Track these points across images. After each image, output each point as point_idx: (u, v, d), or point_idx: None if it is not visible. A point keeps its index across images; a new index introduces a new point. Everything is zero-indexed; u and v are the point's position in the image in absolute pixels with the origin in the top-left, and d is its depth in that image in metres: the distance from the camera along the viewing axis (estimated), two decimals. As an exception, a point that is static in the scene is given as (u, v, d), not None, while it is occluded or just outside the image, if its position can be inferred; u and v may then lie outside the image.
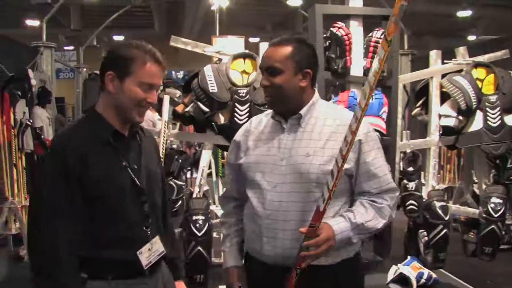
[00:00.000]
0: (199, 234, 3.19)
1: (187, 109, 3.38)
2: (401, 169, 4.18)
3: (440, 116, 3.96)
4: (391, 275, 3.36)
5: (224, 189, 2.28)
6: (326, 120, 1.93)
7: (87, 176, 1.67)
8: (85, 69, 11.50)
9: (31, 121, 6.01)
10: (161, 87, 10.42)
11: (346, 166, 1.81)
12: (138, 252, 1.78)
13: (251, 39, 10.91)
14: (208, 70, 3.32)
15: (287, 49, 1.88)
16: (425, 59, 4.36)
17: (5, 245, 5.46)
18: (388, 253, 3.95)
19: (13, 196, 5.70)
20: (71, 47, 12.85)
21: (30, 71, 6.79)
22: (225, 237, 2.13)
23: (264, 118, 2.06)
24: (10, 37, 7.15)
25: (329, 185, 1.75)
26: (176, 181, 3.71)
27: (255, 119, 2.11)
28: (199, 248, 3.19)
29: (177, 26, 12.20)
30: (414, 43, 9.36)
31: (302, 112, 1.93)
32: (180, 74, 11.75)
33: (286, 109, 1.93)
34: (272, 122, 2.00)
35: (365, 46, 3.79)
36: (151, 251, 1.82)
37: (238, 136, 2.10)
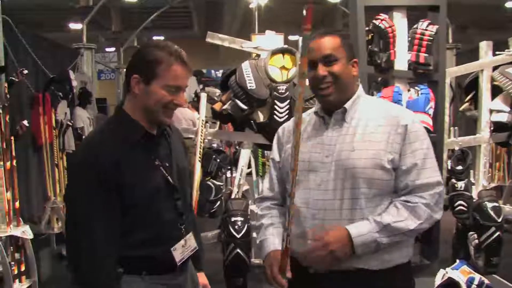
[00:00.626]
0: (238, 236, 3.12)
1: (224, 107, 3.30)
2: (449, 167, 4.00)
3: (491, 111, 3.78)
4: (439, 279, 3.23)
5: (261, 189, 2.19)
6: (370, 113, 1.87)
7: (123, 182, 1.68)
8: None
9: (72, 121, 6.10)
10: (201, 86, 10.50)
11: (389, 156, 1.79)
12: (172, 249, 1.79)
13: (291, 37, 10.82)
14: (246, 66, 3.23)
15: (337, 39, 1.87)
16: (469, 53, 4.17)
17: (48, 244, 5.55)
18: (436, 256, 3.77)
19: (55, 196, 5.80)
20: (112, 49, 13.06)
21: (71, 72, 6.90)
22: (266, 226, 1.98)
23: (307, 116, 1.99)
24: (52, 40, 7.27)
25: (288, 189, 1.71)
26: (214, 181, 3.65)
27: (289, 123, 2.07)
28: (238, 250, 3.12)
29: (216, 26, 12.23)
30: (457, 37, 9.06)
31: (347, 105, 1.87)
32: (220, 73, 11.77)
33: (344, 98, 1.87)
34: (315, 119, 1.95)
35: (409, 38, 3.63)
36: (184, 247, 1.84)
37: (280, 134, 2.06)
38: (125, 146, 1.72)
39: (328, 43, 1.85)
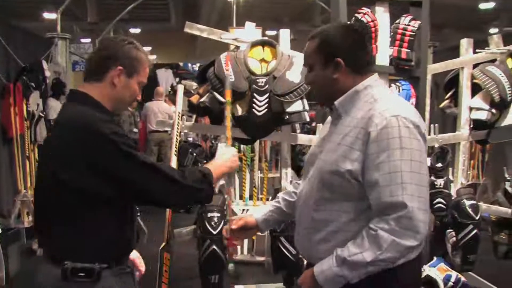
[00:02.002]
0: (214, 232, 3.04)
1: (202, 100, 3.21)
2: (429, 165, 3.98)
3: (471, 109, 3.76)
4: (417, 277, 3.18)
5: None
6: (359, 111, 1.73)
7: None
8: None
9: (45, 113, 5.95)
10: (177, 79, 10.43)
11: (349, 167, 1.66)
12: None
13: (268, 32, 10.74)
14: (224, 58, 3.14)
15: (313, 43, 1.82)
16: (446, 52, 4.16)
17: (18, 238, 5.39)
18: (414, 254, 3.75)
19: (26, 189, 5.64)
20: (88, 40, 12.79)
21: (44, 62, 6.73)
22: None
23: None
24: (25, 29, 7.06)
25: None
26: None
27: None
28: (214, 247, 3.03)
29: (194, 19, 12.08)
30: (434, 36, 9.12)
31: (336, 102, 1.80)
32: (197, 66, 11.66)
33: (332, 98, 1.81)
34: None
35: (391, 33, 3.58)
36: None
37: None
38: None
39: (307, 50, 1.84)
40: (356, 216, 1.70)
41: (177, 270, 3.16)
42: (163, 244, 3.05)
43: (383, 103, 1.71)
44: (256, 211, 2.15)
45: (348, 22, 3.48)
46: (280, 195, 2.11)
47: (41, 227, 1.86)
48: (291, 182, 3.41)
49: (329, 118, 1.93)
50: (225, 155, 2.03)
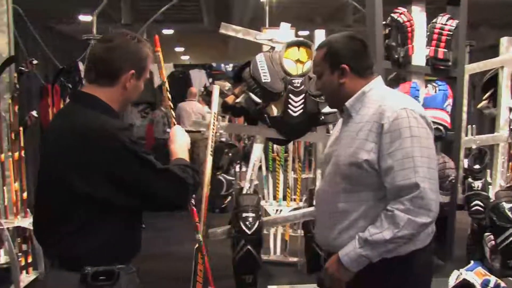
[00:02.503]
0: (249, 232, 3.05)
1: (238, 100, 3.22)
2: (466, 166, 3.91)
3: (510, 109, 3.68)
4: (453, 280, 3.17)
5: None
6: (369, 109, 1.93)
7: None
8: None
9: (81, 112, 6.06)
10: (210, 80, 10.51)
11: (365, 157, 1.84)
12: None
13: (301, 32, 10.72)
14: (260, 58, 3.15)
15: (321, 52, 2.01)
16: (482, 51, 4.08)
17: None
18: (450, 257, 3.69)
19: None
20: (122, 41, 13.02)
21: (80, 64, 6.87)
22: None
23: None
24: (63, 31, 7.25)
25: None
26: (226, 176, 3.58)
27: None
28: (249, 247, 3.05)
29: (226, 19, 12.10)
30: (469, 35, 8.95)
31: (347, 103, 1.98)
32: (230, 67, 11.68)
33: (341, 100, 2.00)
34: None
35: (428, 33, 3.54)
36: None
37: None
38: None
39: (315, 59, 2.06)
40: (375, 204, 1.88)
41: (213, 269, 3.17)
42: (198, 243, 3.07)
43: (391, 98, 1.93)
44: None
45: (384, 22, 3.48)
46: None
47: (49, 235, 1.77)
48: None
49: (340, 120, 2.12)
50: (181, 137, 2.07)
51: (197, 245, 3.06)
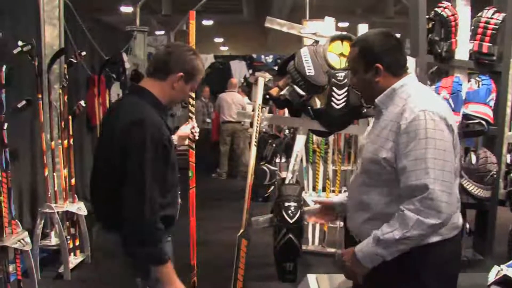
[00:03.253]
0: (291, 222, 3.12)
1: (282, 92, 3.29)
2: (509, 161, 3.88)
3: (555, 105, 3.62)
4: (492, 276, 3.11)
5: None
6: (396, 107, 1.96)
7: (171, 152, 2.08)
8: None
9: (125, 102, 6.21)
10: (250, 71, 10.52)
11: (384, 155, 1.90)
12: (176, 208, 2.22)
13: (341, 24, 10.65)
14: (304, 52, 3.20)
15: (355, 50, 2.05)
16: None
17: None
18: (490, 252, 3.68)
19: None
20: (162, 32, 13.22)
21: (124, 55, 7.04)
22: None
23: None
24: (107, 23, 7.42)
25: None
26: (270, 166, 3.66)
27: None
28: (290, 235, 3.12)
29: (266, 11, 12.18)
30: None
31: (377, 100, 2.03)
32: (270, 58, 11.68)
33: (371, 101, 2.07)
34: None
35: (472, 27, 3.52)
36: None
37: None
38: (164, 123, 2.09)
39: (350, 56, 2.11)
40: (393, 200, 1.92)
41: (252, 258, 3.27)
42: (241, 231, 3.17)
43: (415, 98, 1.93)
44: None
45: (427, 16, 3.48)
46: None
47: (99, 204, 2.15)
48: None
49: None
50: None
51: (240, 232, 3.15)
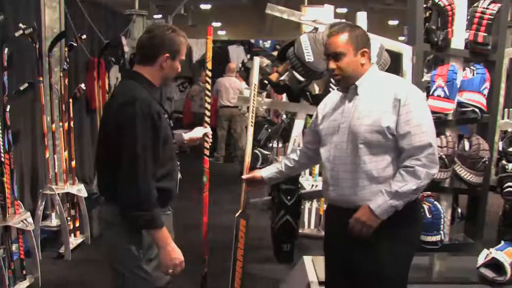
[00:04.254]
0: (289, 203, 3.21)
1: (281, 78, 3.35)
2: (500, 149, 3.96)
3: (548, 94, 3.69)
4: (482, 258, 3.24)
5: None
6: (377, 88, 2.38)
7: (161, 126, 2.22)
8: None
9: (124, 86, 6.24)
10: (248, 56, 10.50)
11: (387, 124, 2.29)
12: (177, 180, 2.42)
13: (338, 10, 10.67)
14: (304, 39, 3.26)
15: (345, 35, 2.36)
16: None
17: (100, 203, 5.76)
18: (481, 236, 3.78)
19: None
20: (160, 15, 13.20)
21: (123, 38, 7.06)
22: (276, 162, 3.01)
23: (337, 91, 2.59)
24: (106, 6, 7.43)
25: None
26: (262, 150, 3.72)
27: (332, 93, 2.67)
28: (288, 217, 3.21)
29: (264, -4, 12.14)
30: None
31: (357, 83, 2.41)
32: (267, 43, 11.69)
33: (352, 80, 2.41)
34: (341, 94, 2.51)
35: (469, 16, 3.57)
36: (179, 179, 2.48)
37: (319, 107, 2.67)
38: (156, 102, 2.27)
39: (337, 41, 2.36)
40: (389, 164, 2.34)
41: (250, 240, 3.35)
42: (240, 211, 3.25)
43: (397, 80, 2.49)
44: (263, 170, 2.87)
45: (425, 5, 3.53)
46: (283, 160, 2.83)
47: (101, 177, 2.38)
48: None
49: (332, 98, 2.58)
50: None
51: (238, 213, 3.24)
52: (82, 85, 5.05)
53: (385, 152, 2.34)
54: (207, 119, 3.21)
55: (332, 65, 2.40)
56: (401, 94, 2.31)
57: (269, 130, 3.68)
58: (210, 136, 3.10)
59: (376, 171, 2.33)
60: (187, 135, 2.89)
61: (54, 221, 4.83)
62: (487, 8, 3.45)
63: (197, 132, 2.98)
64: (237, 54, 10.99)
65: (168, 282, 2.42)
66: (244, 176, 2.99)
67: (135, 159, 2.12)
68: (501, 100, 3.75)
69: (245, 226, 3.11)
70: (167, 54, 2.28)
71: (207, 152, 3.26)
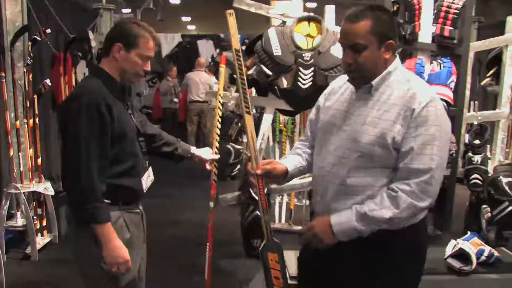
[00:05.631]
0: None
1: (249, 72, 3.32)
2: (467, 141, 4.02)
3: (512, 87, 3.76)
4: (449, 249, 3.26)
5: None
6: (395, 90, 1.89)
7: (113, 121, 2.10)
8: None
9: (91, 81, 6.12)
10: (217, 50, 10.43)
11: (392, 137, 1.83)
12: (142, 179, 2.28)
13: (309, 4, 10.68)
14: (272, 32, 3.24)
15: (367, 23, 1.83)
16: (492, 27, 4.13)
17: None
18: (448, 227, 3.83)
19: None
20: (128, 10, 12.99)
21: (90, 33, 6.90)
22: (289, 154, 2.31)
23: (340, 80, 2.11)
24: (72, 0, 7.25)
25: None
26: (234, 145, 3.70)
27: (340, 79, 2.12)
28: (257, 212, 3.19)
29: (233, -10, 12.07)
30: (480, 9, 8.88)
31: (374, 82, 1.91)
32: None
33: (370, 79, 1.91)
34: (350, 87, 2.02)
35: (435, 11, 3.61)
36: (148, 178, 2.34)
37: (322, 94, 2.18)
38: (111, 95, 2.14)
39: (357, 30, 1.84)
40: (388, 183, 1.88)
41: (220, 236, 3.33)
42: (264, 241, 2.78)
43: (418, 84, 1.91)
44: (285, 160, 2.20)
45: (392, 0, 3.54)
46: (303, 155, 2.21)
47: (63, 172, 2.29)
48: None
49: (340, 85, 2.07)
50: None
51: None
52: (48, 81, 4.91)
53: (387, 168, 1.89)
54: (217, 145, 3.07)
55: (349, 59, 1.89)
56: (417, 103, 1.83)
57: (239, 125, 3.65)
58: (215, 165, 2.89)
59: (374, 189, 1.89)
60: (194, 150, 2.65)
61: (19, 221, 4.69)
62: (452, 3, 3.49)
63: (205, 153, 2.66)
64: (206, 49, 10.90)
65: (134, 280, 2.35)
66: (261, 167, 2.12)
67: (77, 153, 2.05)
68: (467, 93, 3.81)
69: (278, 261, 2.26)
70: (120, 44, 2.16)
71: (214, 177, 3.18)
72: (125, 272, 2.17)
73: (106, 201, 2.12)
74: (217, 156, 2.80)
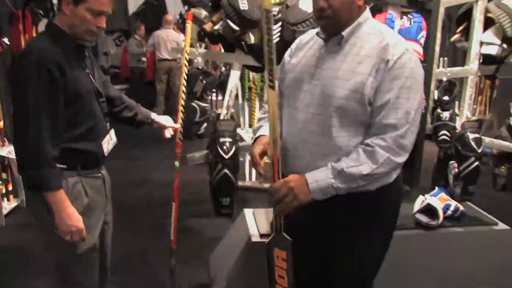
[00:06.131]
0: (226, 157, 3.14)
1: (216, 27, 3.22)
2: (436, 98, 4.03)
3: (481, 43, 3.74)
4: (418, 205, 3.31)
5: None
6: (367, 42, 1.82)
7: (66, 80, 1.98)
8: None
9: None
10: (186, 7, 10.17)
11: (366, 91, 1.76)
12: (102, 142, 2.18)
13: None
14: (238, -14, 3.13)
15: None
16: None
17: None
18: (417, 183, 3.87)
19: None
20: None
21: (51, -11, 6.63)
22: (260, 119, 2.16)
23: (307, 36, 2.04)
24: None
25: None
26: (199, 103, 3.60)
27: (307, 34, 2.06)
28: (226, 170, 3.15)
29: None
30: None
31: (344, 33, 1.84)
32: (207, -5, 11.30)
33: (343, 27, 1.83)
34: (318, 41, 1.94)
35: (406, -36, 3.54)
36: (109, 141, 2.24)
37: (287, 51, 2.11)
38: (64, 53, 2.01)
39: None
40: (364, 140, 1.82)
41: (188, 195, 3.29)
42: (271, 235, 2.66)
43: (391, 35, 1.84)
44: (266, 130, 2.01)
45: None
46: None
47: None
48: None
49: (307, 41, 2.01)
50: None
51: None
52: (6, 40, 4.72)
53: (363, 125, 1.81)
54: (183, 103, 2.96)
55: (322, 2, 1.79)
56: (391, 54, 1.75)
57: (204, 82, 3.55)
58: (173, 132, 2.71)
59: (347, 149, 1.81)
60: (154, 116, 2.58)
61: (-17, 186, 4.57)
62: (424, -44, 3.42)
63: (165, 121, 2.60)
64: (174, 6, 10.55)
65: (93, 247, 2.20)
66: (262, 161, 1.99)
67: (25, 115, 1.93)
68: (437, 49, 3.78)
69: (285, 259, 2.00)
70: None
71: (180, 136, 3.10)
72: (79, 240, 2.08)
73: (61, 166, 2.01)
74: (177, 125, 2.72)
